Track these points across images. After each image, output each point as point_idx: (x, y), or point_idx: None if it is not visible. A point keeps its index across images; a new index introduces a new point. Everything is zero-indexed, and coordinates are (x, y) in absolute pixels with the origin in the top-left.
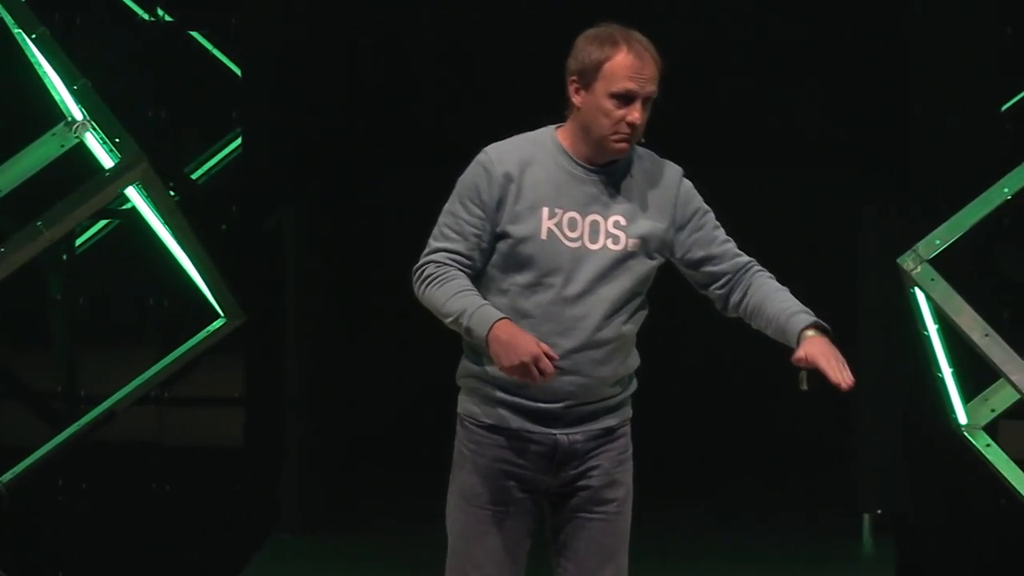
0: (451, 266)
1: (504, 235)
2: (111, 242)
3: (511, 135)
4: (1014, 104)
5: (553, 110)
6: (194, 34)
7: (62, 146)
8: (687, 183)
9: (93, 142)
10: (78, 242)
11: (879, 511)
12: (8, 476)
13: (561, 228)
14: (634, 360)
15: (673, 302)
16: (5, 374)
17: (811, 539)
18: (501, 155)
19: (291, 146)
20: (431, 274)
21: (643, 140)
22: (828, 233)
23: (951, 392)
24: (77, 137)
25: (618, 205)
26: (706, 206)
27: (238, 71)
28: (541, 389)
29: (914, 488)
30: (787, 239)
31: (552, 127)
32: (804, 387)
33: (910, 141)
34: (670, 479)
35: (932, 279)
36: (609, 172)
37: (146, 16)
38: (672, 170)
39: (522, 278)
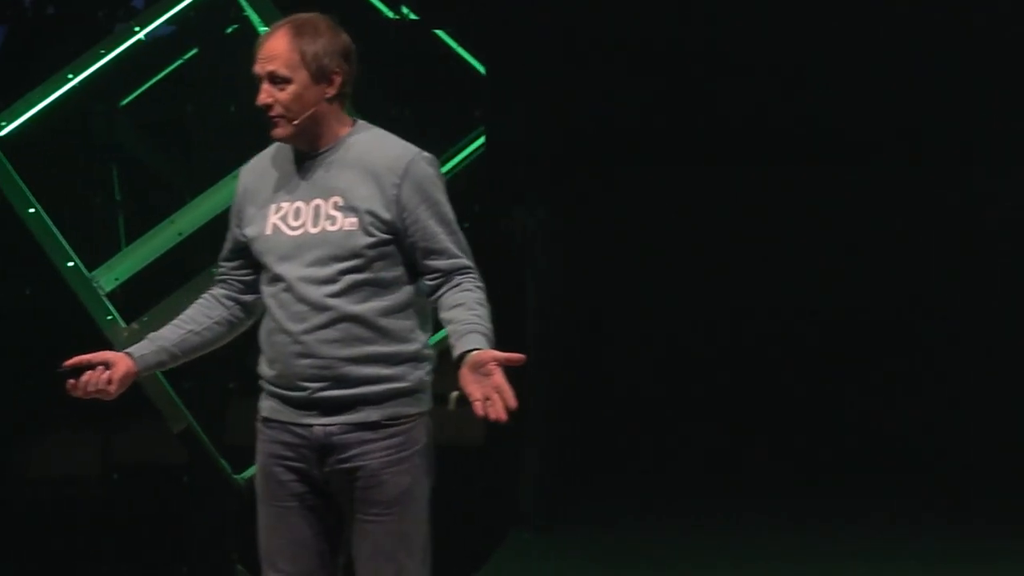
0: (213, 288)
1: (248, 240)
2: None
3: (764, 134)
4: None
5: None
6: (438, 32)
7: None
8: (421, 170)
9: None
10: None
11: None
12: (248, 473)
13: (286, 220)
14: (405, 346)
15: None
16: (243, 371)
17: None
18: (246, 168)
19: (534, 145)
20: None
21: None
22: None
23: None
24: None
25: (338, 187)
26: (438, 198)
27: (482, 69)
28: (285, 376)
29: None
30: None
31: None
32: (451, 408)
33: None
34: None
35: None
36: (327, 156)
37: (391, 14)
38: (402, 152)
39: (265, 275)
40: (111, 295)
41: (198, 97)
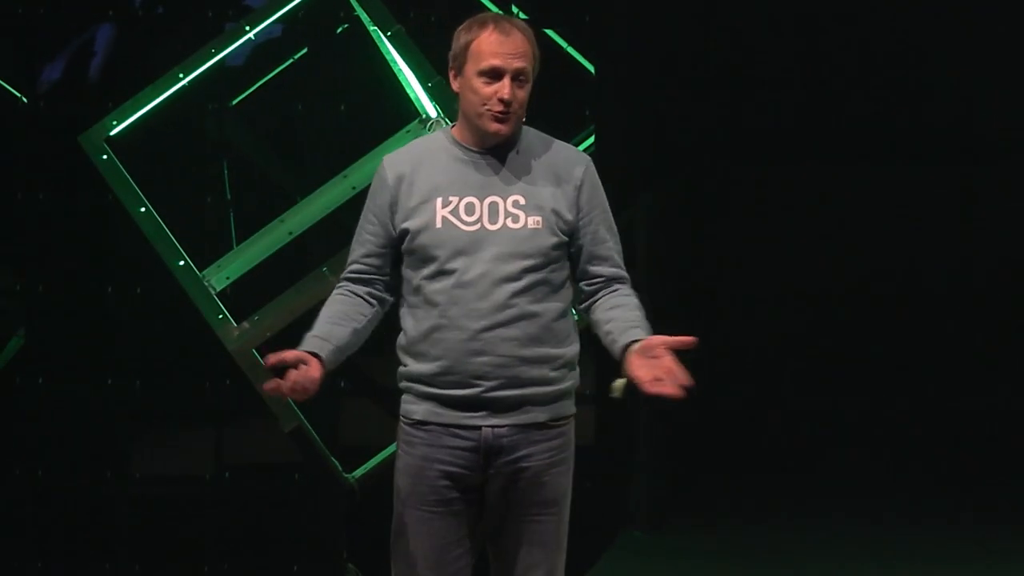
0: (348, 285)
1: (404, 233)
2: None
3: (856, 134)
4: None
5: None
6: (548, 31)
7: None
8: (593, 174)
9: None
10: None
11: None
12: (360, 472)
13: (457, 214)
14: (566, 349)
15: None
16: (355, 373)
17: None
18: (393, 160)
19: (644, 144)
20: (331, 297)
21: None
22: None
23: None
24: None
25: (517, 184)
26: (606, 205)
27: (592, 68)
28: (455, 373)
29: None
30: None
31: (447, 127)
32: (616, 395)
33: None
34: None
35: None
36: (501, 154)
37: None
38: (578, 156)
39: (427, 269)
40: (222, 294)
41: (308, 97)
